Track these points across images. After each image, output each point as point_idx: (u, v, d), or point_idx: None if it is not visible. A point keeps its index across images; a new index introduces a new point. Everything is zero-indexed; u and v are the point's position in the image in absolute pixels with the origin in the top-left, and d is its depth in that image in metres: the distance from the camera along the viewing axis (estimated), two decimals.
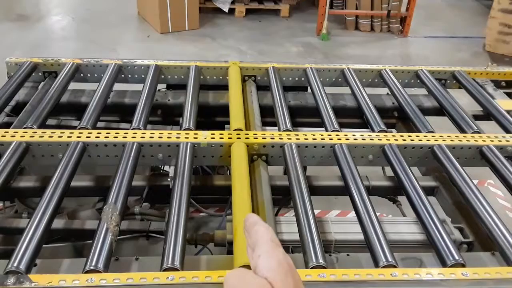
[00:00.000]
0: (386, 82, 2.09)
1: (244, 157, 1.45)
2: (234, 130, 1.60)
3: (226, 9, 5.54)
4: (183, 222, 1.18)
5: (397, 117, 2.12)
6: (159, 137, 1.51)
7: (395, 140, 1.62)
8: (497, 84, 2.22)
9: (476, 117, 2.00)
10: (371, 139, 1.61)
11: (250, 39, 5.02)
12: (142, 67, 2.02)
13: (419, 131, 1.73)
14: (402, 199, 1.83)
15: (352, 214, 2.54)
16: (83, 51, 4.46)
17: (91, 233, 1.41)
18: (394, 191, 1.79)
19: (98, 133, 1.50)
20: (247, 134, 1.57)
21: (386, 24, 5.52)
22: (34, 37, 4.84)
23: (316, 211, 2.42)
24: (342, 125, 2.01)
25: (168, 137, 1.52)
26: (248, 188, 1.32)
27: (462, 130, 1.76)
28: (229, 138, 1.54)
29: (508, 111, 1.92)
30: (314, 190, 1.69)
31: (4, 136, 1.44)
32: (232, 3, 5.58)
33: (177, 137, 1.52)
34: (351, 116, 2.08)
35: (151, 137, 1.51)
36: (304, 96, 2.11)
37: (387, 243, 1.17)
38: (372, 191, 1.71)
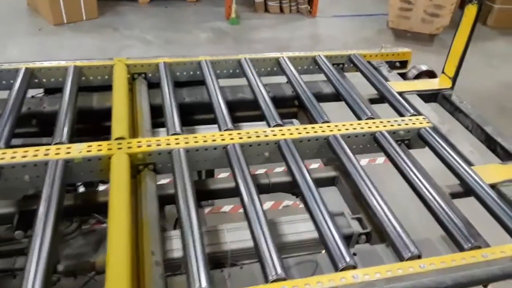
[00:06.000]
0: (284, 70, 2.03)
1: (124, 170, 1.30)
2: (116, 139, 1.43)
3: None
4: (46, 255, 1.03)
5: (298, 106, 2.08)
6: (23, 156, 1.31)
7: (290, 134, 1.55)
8: (391, 65, 2.25)
9: (373, 101, 2.01)
10: (265, 136, 1.53)
11: (156, 27, 4.75)
12: (10, 71, 1.76)
13: (316, 121, 1.69)
14: None
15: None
16: None
17: None
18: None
19: None
20: (130, 142, 1.42)
21: (295, 5, 5.52)
22: None
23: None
24: (243, 119, 1.94)
25: (34, 155, 1.32)
26: (128, 206, 1.18)
27: (358, 117, 1.75)
28: (108, 149, 1.38)
29: (400, 93, 1.94)
30: (208, 195, 1.59)
31: None
32: None
33: (45, 154, 1.33)
34: (252, 109, 1.99)
35: (12, 157, 1.30)
36: (201, 91, 1.98)
37: (276, 252, 1.10)
38: (273, 187, 1.64)
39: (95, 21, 4.71)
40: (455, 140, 1.71)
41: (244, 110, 1.96)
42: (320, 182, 1.70)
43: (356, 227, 1.44)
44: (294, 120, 2.01)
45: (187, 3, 5.47)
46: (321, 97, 2.06)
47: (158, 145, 1.43)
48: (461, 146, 1.67)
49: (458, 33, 1.95)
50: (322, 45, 4.82)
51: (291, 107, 2.04)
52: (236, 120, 1.90)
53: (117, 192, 1.22)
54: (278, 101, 2.01)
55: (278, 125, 1.60)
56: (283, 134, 1.54)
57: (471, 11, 1.87)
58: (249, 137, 1.51)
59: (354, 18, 5.67)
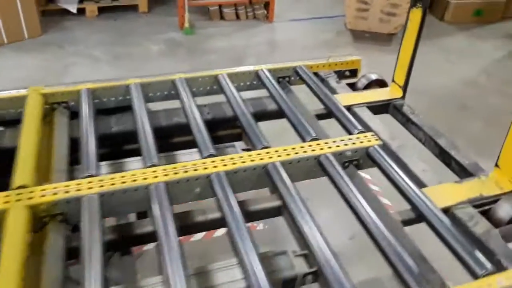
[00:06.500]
0: (223, 88, 1.86)
1: (21, 226, 1.11)
2: (17, 188, 1.23)
3: (73, 10, 4.92)
4: None
5: (241, 127, 1.91)
6: None
7: (224, 165, 1.38)
8: (341, 74, 2.12)
9: (321, 116, 1.86)
10: (195, 170, 1.35)
11: (104, 41, 4.51)
12: None
13: (255, 147, 1.53)
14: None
15: None
16: None
17: None
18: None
19: None
20: (32, 192, 1.22)
21: (251, 11, 5.37)
22: None
23: None
24: (180, 146, 1.75)
25: None
26: (20, 271, 0.99)
27: (302, 138, 1.59)
28: (5, 202, 1.18)
29: (348, 106, 1.81)
30: (136, 239, 1.40)
31: None
32: (81, 2, 4.98)
33: None
34: (190, 134, 1.81)
35: None
36: (132, 118, 1.79)
37: None
38: (206, 225, 1.47)
39: (38, 39, 4.43)
40: (407, 156, 1.58)
41: (181, 135, 1.78)
42: (264, 213, 1.54)
43: (300, 267, 1.28)
44: (238, 143, 1.84)
45: (138, 15, 5.24)
46: (266, 115, 1.91)
47: (66, 192, 1.23)
48: (414, 163, 1.54)
49: (405, 39, 1.83)
50: (279, 51, 4.69)
51: (234, 128, 1.87)
52: (173, 147, 1.73)
53: (9, 254, 1.02)
54: (219, 123, 1.86)
55: (211, 155, 1.43)
56: (215, 167, 1.37)
57: (416, 15, 1.75)
58: (176, 173, 1.33)
59: (312, 21, 5.57)
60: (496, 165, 1.44)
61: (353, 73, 2.16)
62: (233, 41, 4.81)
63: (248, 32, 5.08)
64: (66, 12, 4.96)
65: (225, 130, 1.87)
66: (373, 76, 2.01)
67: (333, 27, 5.41)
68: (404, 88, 1.89)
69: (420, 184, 1.42)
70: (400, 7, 5.23)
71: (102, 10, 5.13)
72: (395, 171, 1.42)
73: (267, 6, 5.35)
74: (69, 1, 4.87)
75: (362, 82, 2.01)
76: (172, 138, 1.78)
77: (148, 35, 4.75)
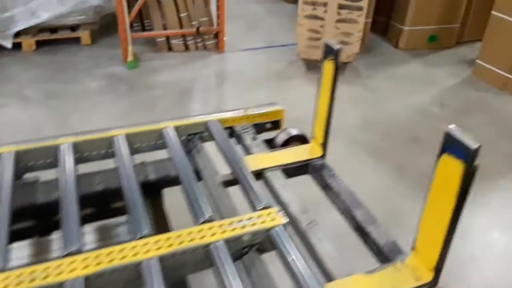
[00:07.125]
0: (116, 152, 1.61)
1: None
2: None
3: (8, 45, 4.61)
4: None
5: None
6: None
7: (85, 267, 1.13)
8: (261, 127, 1.91)
9: (230, 183, 1.64)
10: (45, 277, 1.10)
11: (40, 78, 4.21)
12: None
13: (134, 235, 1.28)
14: None
15: None
16: None
17: None
18: None
19: None
20: None
21: (201, 41, 5.18)
22: None
23: None
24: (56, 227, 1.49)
25: None
26: None
27: (196, 218, 1.35)
28: None
29: (259, 171, 1.59)
30: None
31: None
32: (17, 36, 4.68)
33: None
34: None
35: None
36: None
37: None
38: None
39: None
40: (321, 234, 1.36)
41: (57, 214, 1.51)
42: None
43: None
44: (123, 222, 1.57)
45: (80, 47, 4.97)
46: (169, 182, 1.67)
47: None
48: (326, 245, 1.32)
49: (320, 92, 1.64)
50: (227, 83, 4.50)
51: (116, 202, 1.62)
52: (51, 228, 1.47)
53: None
54: (112, 195, 1.60)
55: (72, 253, 1.17)
56: (72, 270, 1.12)
57: (328, 67, 1.57)
58: (20, 283, 1.07)
59: (265, 50, 5.42)
60: (413, 248, 1.24)
61: (276, 124, 1.96)
62: (180, 74, 4.59)
63: (197, 64, 4.87)
64: (1, 47, 4.65)
65: (118, 201, 1.61)
66: (293, 131, 1.81)
67: (286, 57, 5.27)
68: (324, 146, 1.69)
69: (327, 276, 1.20)
70: (352, 36, 5.14)
71: (40, 44, 4.83)
72: (297, 259, 1.19)
73: (218, 36, 5.18)
74: (2, 35, 4.56)
75: (281, 138, 1.81)
76: (50, 217, 1.52)
77: (89, 70, 4.47)
